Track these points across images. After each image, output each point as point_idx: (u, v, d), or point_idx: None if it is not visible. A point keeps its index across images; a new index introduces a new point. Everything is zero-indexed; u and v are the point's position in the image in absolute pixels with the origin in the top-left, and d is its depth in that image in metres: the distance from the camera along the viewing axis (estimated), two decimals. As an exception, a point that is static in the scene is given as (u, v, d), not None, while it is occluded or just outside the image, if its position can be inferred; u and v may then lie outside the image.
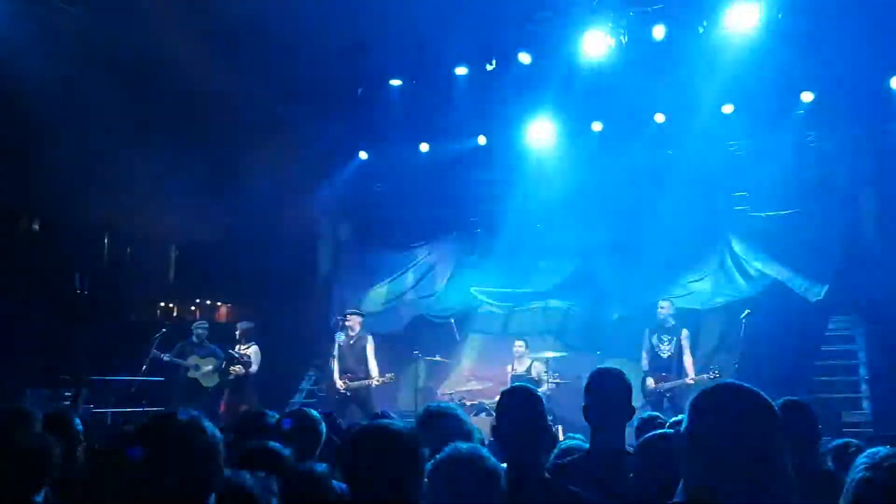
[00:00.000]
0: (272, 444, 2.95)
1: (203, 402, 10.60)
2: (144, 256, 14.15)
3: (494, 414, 3.33)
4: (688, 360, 9.96)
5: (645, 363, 10.26)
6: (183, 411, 2.25)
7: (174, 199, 11.69)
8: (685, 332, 10.21)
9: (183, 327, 11.77)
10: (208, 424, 2.23)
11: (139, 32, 10.50)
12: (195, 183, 11.72)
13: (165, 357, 10.88)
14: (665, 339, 10.06)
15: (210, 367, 11.11)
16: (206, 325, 11.61)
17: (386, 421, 2.69)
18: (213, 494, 2.19)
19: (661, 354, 10.02)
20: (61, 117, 9.71)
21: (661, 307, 10.28)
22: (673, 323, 10.19)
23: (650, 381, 9.92)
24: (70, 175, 10.92)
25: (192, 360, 11.13)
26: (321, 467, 2.70)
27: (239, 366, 10.98)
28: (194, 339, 11.26)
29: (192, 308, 15.02)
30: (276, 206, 12.89)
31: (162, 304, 14.36)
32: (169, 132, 11.23)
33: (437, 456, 2.48)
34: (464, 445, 2.50)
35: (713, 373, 9.58)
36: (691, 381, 9.65)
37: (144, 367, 10.61)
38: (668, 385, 9.78)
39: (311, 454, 3.51)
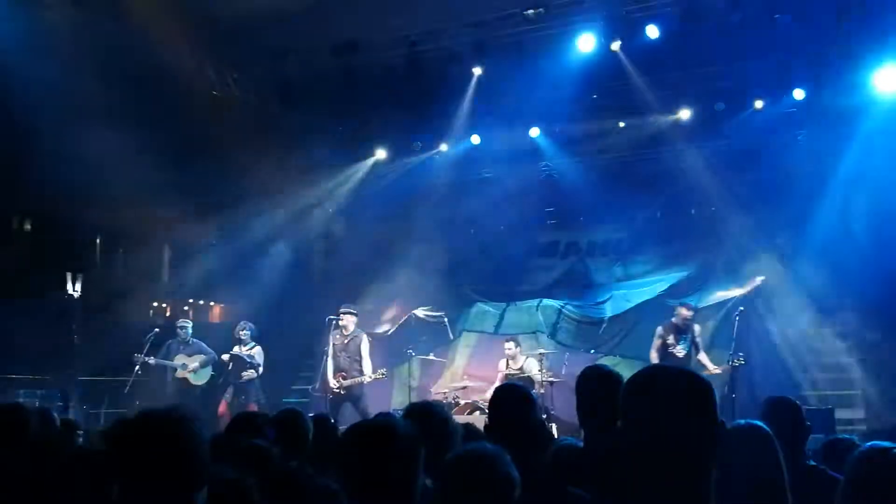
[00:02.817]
0: (260, 442, 2.95)
1: (192, 401, 10.50)
2: (137, 256, 14.10)
3: (487, 413, 3.32)
4: (703, 356, 9.83)
5: (656, 360, 9.78)
6: (169, 408, 2.24)
7: (167, 198, 11.66)
8: (697, 328, 10.04)
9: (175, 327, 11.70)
10: (192, 420, 2.23)
11: (132, 33, 10.48)
12: (188, 182, 11.69)
13: (151, 360, 10.76)
14: (681, 340, 9.82)
15: (197, 365, 11.00)
16: (190, 323, 11.47)
17: (383, 419, 2.67)
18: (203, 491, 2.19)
19: (678, 354, 9.72)
20: (53, 117, 9.67)
21: (683, 314, 9.89)
22: (688, 325, 9.95)
23: None
24: (62, 175, 10.87)
25: (179, 359, 11.01)
26: (305, 467, 2.70)
27: (251, 370, 10.89)
28: (180, 338, 11.13)
29: (186, 308, 14.97)
30: (270, 206, 12.88)
31: (155, 304, 14.30)
32: (163, 132, 11.19)
33: (455, 454, 2.45)
34: (488, 445, 2.47)
35: (737, 360, 9.38)
36: (717, 371, 9.48)
37: (137, 368, 10.56)
38: None
39: (299, 453, 3.50)
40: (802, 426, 3.58)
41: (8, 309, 10.89)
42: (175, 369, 10.96)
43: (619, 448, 1.75)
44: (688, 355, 9.80)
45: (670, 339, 9.86)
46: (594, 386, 3.47)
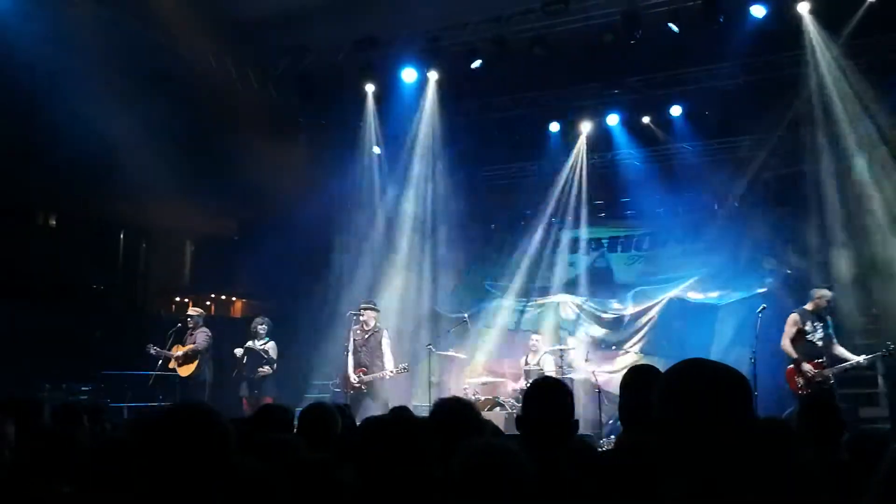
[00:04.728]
0: (286, 436, 2.96)
1: (180, 392, 10.29)
2: (160, 252, 14.23)
3: (521, 405, 3.30)
4: (840, 349, 9.06)
5: (791, 349, 8.99)
6: (187, 403, 2.28)
7: (189, 194, 11.74)
8: (830, 318, 9.22)
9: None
10: (213, 414, 2.26)
11: (155, 30, 10.56)
12: (210, 178, 11.77)
13: (153, 350, 10.55)
14: (819, 326, 9.03)
15: (181, 354, 10.62)
16: (198, 312, 11.17)
17: (398, 413, 2.68)
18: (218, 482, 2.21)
19: (816, 342, 8.98)
20: (77, 113, 9.76)
21: (822, 297, 9.09)
22: (827, 310, 9.16)
23: (809, 367, 8.79)
24: (86, 171, 10.99)
25: (175, 349, 10.70)
26: (333, 460, 2.71)
27: (267, 366, 10.84)
28: (189, 326, 10.84)
29: (208, 303, 15.07)
30: (291, 201, 12.93)
31: (177, 298, 14.40)
32: (184, 128, 11.28)
33: (468, 446, 2.44)
34: (502, 440, 2.47)
35: (888, 351, 8.76)
36: (865, 361, 8.96)
37: (160, 361, 10.61)
38: (833, 370, 8.80)
39: (325, 447, 3.52)
40: (838, 424, 3.54)
41: (33, 303, 11.01)
42: (169, 360, 10.65)
43: (654, 443, 1.73)
44: (827, 345, 8.99)
45: (808, 327, 9.00)
46: (639, 384, 3.41)
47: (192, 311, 11.26)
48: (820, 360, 8.89)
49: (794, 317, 9.13)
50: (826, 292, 9.15)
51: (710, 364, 1.80)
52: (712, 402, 1.69)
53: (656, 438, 1.74)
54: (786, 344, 9.04)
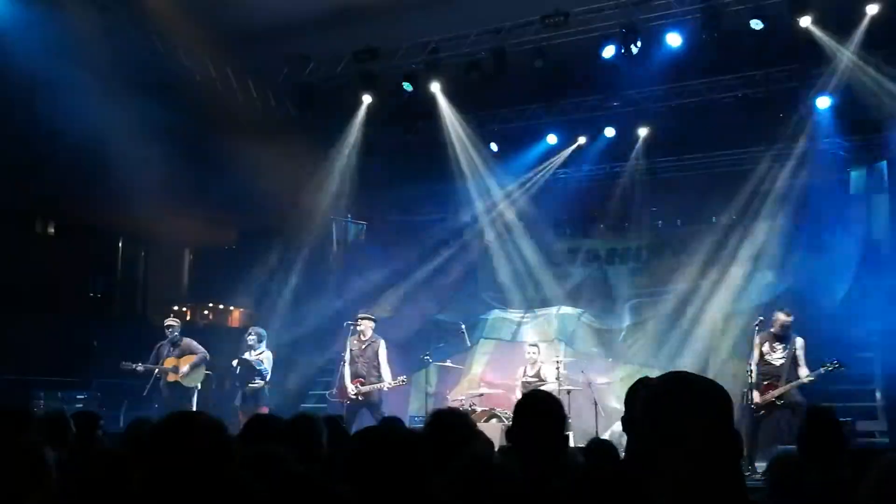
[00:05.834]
0: (275, 447, 2.95)
1: (187, 403, 10.26)
2: (158, 260, 14.23)
3: (511, 416, 3.30)
4: (802, 370, 8.99)
5: (752, 375, 9.07)
6: (191, 412, 2.28)
7: (188, 203, 11.74)
8: (800, 340, 9.14)
9: (195, 331, 11.69)
10: (217, 424, 2.25)
11: (155, 40, 10.60)
12: (209, 187, 11.78)
13: (139, 367, 10.46)
14: (778, 348, 9.09)
15: (187, 368, 10.57)
16: (178, 322, 11.07)
17: (390, 425, 2.68)
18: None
19: (774, 362, 9.06)
20: (77, 121, 9.80)
21: (781, 319, 9.10)
22: (788, 332, 9.14)
23: (756, 396, 8.92)
24: (85, 179, 11.01)
25: (169, 361, 10.59)
26: (321, 471, 2.70)
27: (259, 379, 10.69)
28: (168, 339, 10.71)
29: (206, 312, 15.05)
30: (290, 211, 12.95)
31: (175, 307, 14.39)
32: (184, 136, 11.31)
33: (461, 460, 2.45)
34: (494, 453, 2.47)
35: (831, 365, 8.84)
36: (808, 380, 8.87)
37: (157, 371, 10.57)
38: (777, 392, 8.89)
39: (314, 458, 3.51)
40: (839, 437, 3.54)
41: (30, 310, 11.01)
42: (166, 373, 10.55)
43: (633, 454, 1.74)
44: (785, 366, 8.99)
45: (766, 348, 9.12)
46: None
47: (171, 321, 11.01)
48: (771, 382, 8.97)
49: (755, 339, 9.28)
50: (783, 317, 9.16)
51: (690, 377, 1.80)
52: (691, 415, 1.69)
53: (633, 451, 1.75)
54: (750, 366, 9.18)
